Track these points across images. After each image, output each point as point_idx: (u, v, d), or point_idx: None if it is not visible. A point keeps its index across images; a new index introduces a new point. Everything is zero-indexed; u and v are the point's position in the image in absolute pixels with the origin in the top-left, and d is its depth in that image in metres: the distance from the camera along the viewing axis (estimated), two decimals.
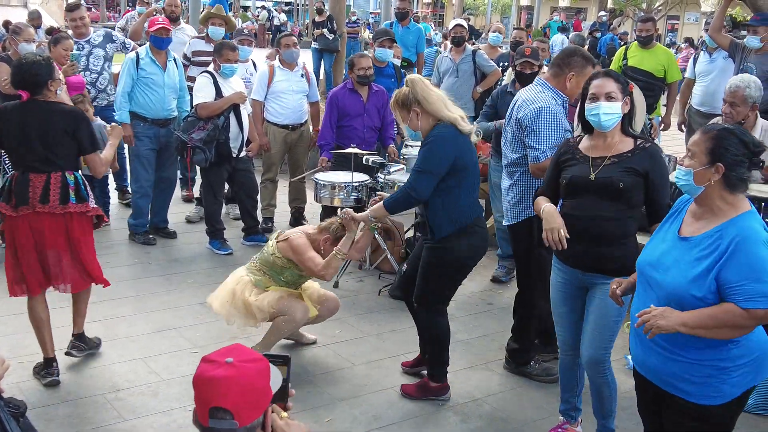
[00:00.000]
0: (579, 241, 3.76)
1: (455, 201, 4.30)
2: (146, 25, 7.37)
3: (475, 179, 4.43)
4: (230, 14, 22.50)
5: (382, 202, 4.43)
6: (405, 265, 4.86)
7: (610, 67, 8.67)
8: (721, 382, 2.95)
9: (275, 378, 2.19)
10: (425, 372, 4.78)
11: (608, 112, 3.68)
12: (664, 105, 8.99)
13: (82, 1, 8.26)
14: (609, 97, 3.69)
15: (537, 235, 4.10)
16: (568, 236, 3.73)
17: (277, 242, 4.85)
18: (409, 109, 4.29)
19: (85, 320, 4.99)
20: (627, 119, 3.78)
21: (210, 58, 7.23)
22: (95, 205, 4.68)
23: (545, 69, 7.21)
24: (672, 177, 5.13)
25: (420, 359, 4.90)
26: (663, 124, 8.56)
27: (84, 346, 4.91)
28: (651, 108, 8.13)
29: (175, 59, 7.17)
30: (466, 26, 9.07)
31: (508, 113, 4.79)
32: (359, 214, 4.56)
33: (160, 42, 6.95)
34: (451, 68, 8.61)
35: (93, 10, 36.06)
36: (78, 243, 4.56)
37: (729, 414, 3.04)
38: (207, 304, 5.04)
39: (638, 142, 3.76)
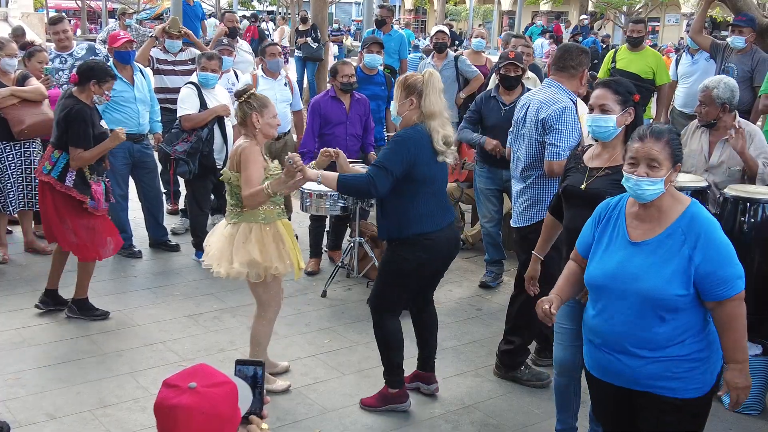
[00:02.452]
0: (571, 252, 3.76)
1: (406, 209, 4.24)
2: (107, 41, 7.39)
3: (436, 191, 4.32)
4: (211, 21, 22.47)
5: (337, 175, 4.28)
6: None
7: (599, 71, 8.68)
8: (702, 372, 2.99)
9: (244, 396, 2.08)
10: (419, 386, 4.76)
11: (601, 124, 3.70)
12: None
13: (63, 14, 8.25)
14: (603, 110, 3.70)
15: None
16: (536, 290, 4.00)
17: (235, 166, 4.45)
18: (408, 95, 4.23)
19: (72, 335, 4.96)
20: (632, 131, 3.73)
21: (171, 67, 7.63)
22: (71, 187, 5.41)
23: (529, 73, 7.25)
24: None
25: (416, 374, 4.80)
26: None
27: (49, 301, 5.74)
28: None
29: (141, 70, 7.09)
30: (448, 32, 9.09)
31: (520, 117, 4.78)
32: (310, 171, 4.26)
33: (126, 57, 6.86)
34: None
35: (72, 21, 35.91)
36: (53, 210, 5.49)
37: (708, 402, 3.08)
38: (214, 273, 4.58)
39: None
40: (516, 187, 4.83)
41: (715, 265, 2.87)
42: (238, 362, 2.21)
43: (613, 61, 8.47)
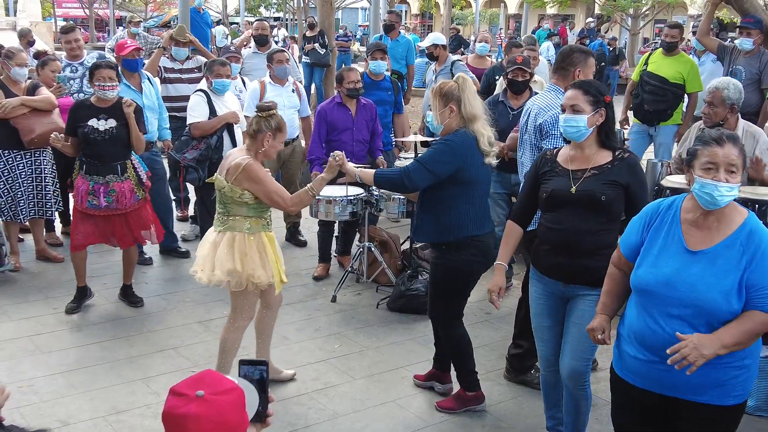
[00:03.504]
0: (560, 253, 3.79)
1: (462, 211, 4.33)
2: (115, 50, 7.42)
3: (483, 193, 4.45)
4: (220, 29, 22.54)
5: (374, 171, 4.46)
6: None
7: (603, 73, 8.63)
8: (744, 380, 2.97)
9: (251, 399, 2.09)
10: (434, 386, 4.82)
11: (572, 124, 3.72)
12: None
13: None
14: (574, 110, 3.72)
15: None
16: (499, 304, 4.02)
17: (233, 179, 4.39)
18: (447, 103, 4.28)
19: (84, 342, 5.01)
20: (604, 131, 3.75)
21: (179, 75, 7.69)
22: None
23: (537, 77, 7.27)
24: (670, 182, 5.16)
25: (432, 373, 4.90)
26: (678, 135, 7.88)
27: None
28: (665, 115, 7.95)
29: (149, 78, 7.14)
30: (445, 43, 9.06)
31: (523, 123, 4.85)
32: (349, 167, 4.48)
33: (133, 64, 6.89)
34: (431, 80, 8.67)
35: (82, 30, 36.08)
36: None
37: (742, 410, 3.05)
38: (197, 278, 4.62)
39: (617, 154, 3.76)
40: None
41: (766, 280, 2.83)
42: (242, 362, 2.21)
43: (646, 63, 8.29)
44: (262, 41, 9.20)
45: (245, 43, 12.17)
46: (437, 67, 8.64)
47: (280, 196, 4.45)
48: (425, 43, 8.78)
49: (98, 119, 5.73)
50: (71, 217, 6.49)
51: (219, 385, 1.97)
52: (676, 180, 5.17)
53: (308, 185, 4.56)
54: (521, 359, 4.96)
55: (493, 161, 4.37)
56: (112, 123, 5.75)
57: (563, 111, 3.78)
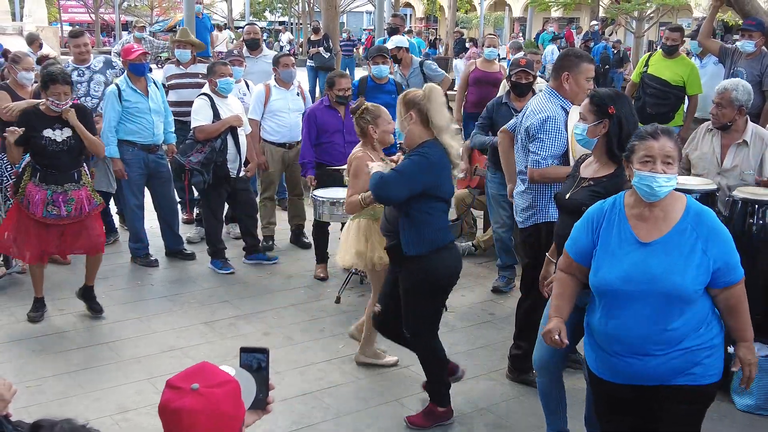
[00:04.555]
0: (558, 254, 3.85)
1: (436, 222, 4.30)
2: (121, 54, 7.49)
3: (446, 206, 4.44)
4: (220, 33, 22.63)
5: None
6: (376, 306, 4.79)
7: (607, 76, 8.65)
8: (717, 358, 3.09)
9: (247, 388, 2.12)
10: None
11: (577, 132, 3.82)
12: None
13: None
14: (581, 117, 3.83)
15: (544, 241, 4.43)
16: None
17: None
18: (408, 110, 4.27)
19: (91, 343, 5.07)
20: (611, 142, 3.75)
21: (184, 81, 7.78)
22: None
23: (540, 80, 7.32)
24: (744, 192, 5.10)
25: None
26: (680, 138, 8.02)
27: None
28: (667, 117, 7.96)
29: (155, 81, 7.20)
30: (407, 45, 9.17)
31: (518, 125, 4.90)
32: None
33: (140, 68, 6.94)
34: (402, 84, 8.71)
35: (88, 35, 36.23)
36: None
37: (717, 388, 3.18)
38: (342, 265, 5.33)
39: (616, 170, 3.72)
40: (518, 188, 4.92)
41: (726, 255, 2.99)
42: (243, 350, 2.25)
43: (646, 65, 8.32)
44: (253, 45, 9.21)
45: (239, 47, 12.25)
46: (404, 71, 8.75)
47: (351, 191, 4.85)
48: (390, 45, 8.88)
49: (53, 129, 5.61)
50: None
51: (214, 377, 2.00)
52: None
53: (363, 195, 4.71)
54: (522, 359, 5.00)
55: (460, 174, 4.42)
56: (68, 132, 5.64)
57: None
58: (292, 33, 39.15)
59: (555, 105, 4.60)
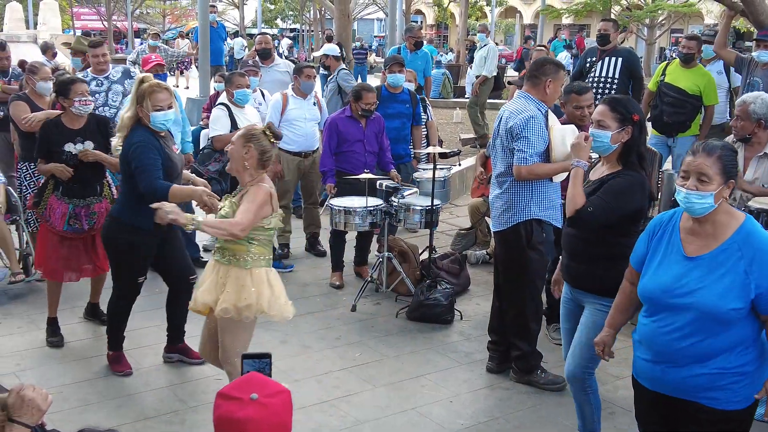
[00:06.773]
0: (566, 256, 4.05)
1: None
2: (139, 63, 7.53)
3: None
4: (238, 41, 22.73)
5: None
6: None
7: (650, 82, 8.61)
8: (746, 385, 3.03)
9: None
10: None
11: (596, 138, 3.87)
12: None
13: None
14: (600, 125, 3.86)
15: (526, 238, 4.79)
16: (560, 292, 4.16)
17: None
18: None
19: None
20: (628, 149, 3.85)
21: None
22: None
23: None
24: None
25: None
26: None
27: None
28: (684, 126, 8.00)
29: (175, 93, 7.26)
30: (337, 54, 10.04)
31: (495, 127, 5.01)
32: None
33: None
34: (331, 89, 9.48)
35: None
36: None
37: (749, 416, 3.12)
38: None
39: (621, 170, 3.87)
40: (493, 192, 4.99)
41: None
42: (245, 356, 2.29)
43: (663, 73, 8.30)
44: (265, 55, 9.31)
45: (252, 56, 12.38)
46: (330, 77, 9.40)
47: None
48: (317, 53, 9.28)
49: (74, 143, 5.55)
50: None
51: (267, 387, 2.03)
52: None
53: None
54: (523, 360, 5.09)
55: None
56: (89, 145, 5.59)
57: (592, 125, 3.94)
58: (296, 40, 39.35)
59: (532, 106, 4.79)
